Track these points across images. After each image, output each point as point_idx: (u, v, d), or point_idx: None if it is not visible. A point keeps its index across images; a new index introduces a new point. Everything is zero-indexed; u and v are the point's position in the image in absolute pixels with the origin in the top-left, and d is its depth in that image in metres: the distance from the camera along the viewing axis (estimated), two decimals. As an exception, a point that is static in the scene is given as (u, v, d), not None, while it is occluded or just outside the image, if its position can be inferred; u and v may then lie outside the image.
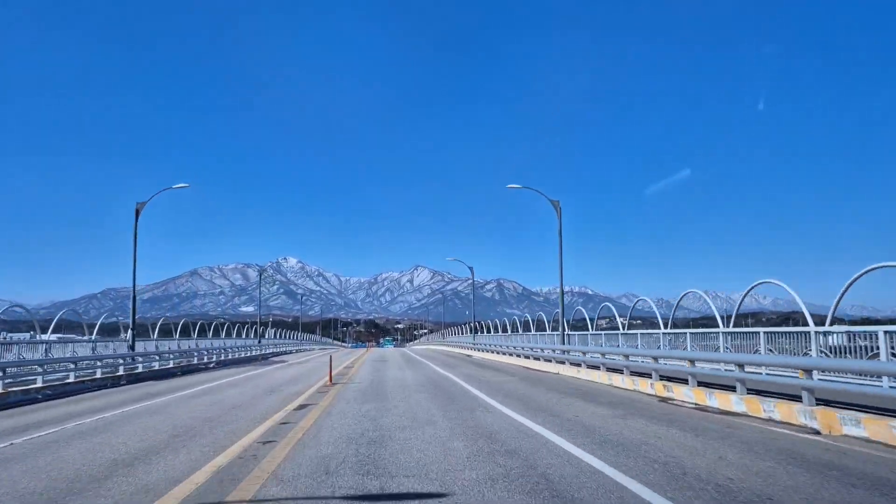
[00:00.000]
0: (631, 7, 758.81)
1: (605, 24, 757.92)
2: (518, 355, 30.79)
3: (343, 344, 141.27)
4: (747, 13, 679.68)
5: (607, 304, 29.87)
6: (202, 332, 41.97)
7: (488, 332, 52.75)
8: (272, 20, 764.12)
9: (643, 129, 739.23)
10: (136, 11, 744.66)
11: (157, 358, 25.97)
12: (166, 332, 38.70)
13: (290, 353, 56.33)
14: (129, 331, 25.99)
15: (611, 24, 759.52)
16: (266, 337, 61.22)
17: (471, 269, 49.76)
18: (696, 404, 12.54)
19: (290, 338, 71.58)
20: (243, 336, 57.41)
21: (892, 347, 10.73)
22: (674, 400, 13.45)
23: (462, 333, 67.52)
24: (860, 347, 11.76)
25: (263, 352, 48.02)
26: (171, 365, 26.67)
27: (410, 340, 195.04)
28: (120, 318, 46.90)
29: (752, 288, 17.26)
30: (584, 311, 34.85)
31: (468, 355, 43.04)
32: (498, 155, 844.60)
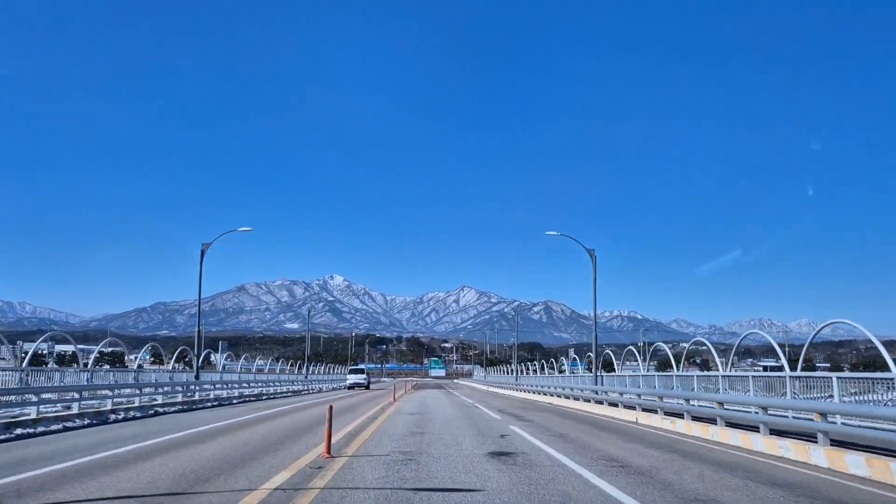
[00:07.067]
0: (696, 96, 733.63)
1: (669, 107, 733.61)
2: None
3: (354, 372, 64.67)
4: (800, 113, 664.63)
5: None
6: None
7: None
8: (330, 39, 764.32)
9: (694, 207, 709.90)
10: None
11: None
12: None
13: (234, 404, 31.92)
14: None
15: (673, 109, 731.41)
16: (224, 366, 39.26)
17: (590, 252, 26.94)
18: None
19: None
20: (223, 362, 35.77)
21: None
22: None
23: (542, 370, 44.59)
24: None
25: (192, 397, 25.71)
26: None
27: (460, 363, 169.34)
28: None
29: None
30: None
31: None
32: (545, 183, 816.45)
